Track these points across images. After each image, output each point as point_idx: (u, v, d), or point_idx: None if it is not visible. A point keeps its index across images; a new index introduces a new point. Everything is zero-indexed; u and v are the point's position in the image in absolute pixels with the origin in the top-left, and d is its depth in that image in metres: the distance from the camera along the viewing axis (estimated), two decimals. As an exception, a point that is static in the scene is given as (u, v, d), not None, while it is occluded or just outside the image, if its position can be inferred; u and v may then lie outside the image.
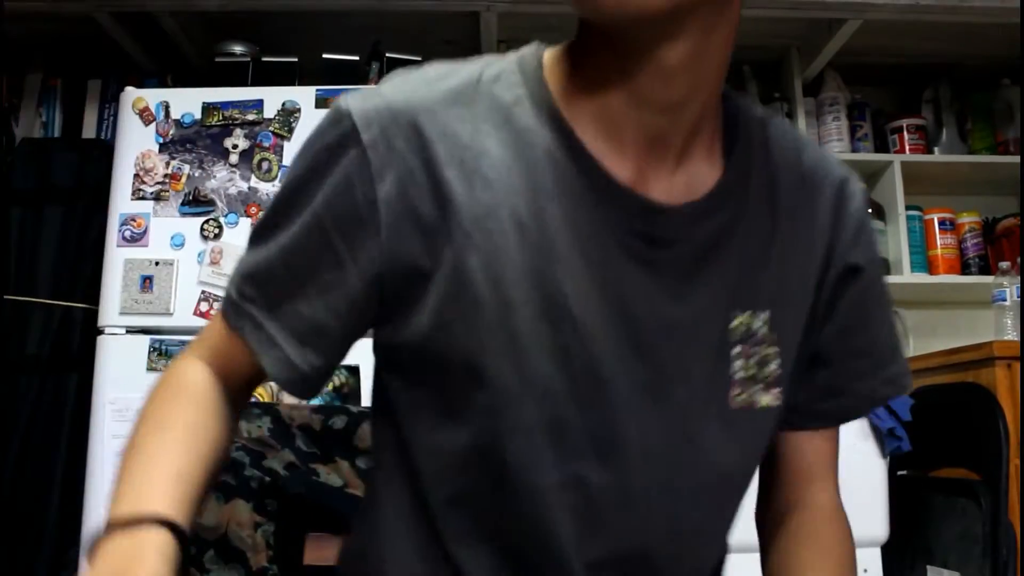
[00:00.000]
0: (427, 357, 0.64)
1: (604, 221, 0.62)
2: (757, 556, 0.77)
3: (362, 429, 1.03)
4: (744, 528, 0.77)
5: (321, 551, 0.97)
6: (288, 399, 1.09)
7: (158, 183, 2.02)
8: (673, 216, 0.63)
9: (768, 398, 0.67)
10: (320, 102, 2.04)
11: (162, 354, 1.90)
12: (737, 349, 0.66)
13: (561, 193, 0.62)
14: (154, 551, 0.52)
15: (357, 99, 0.63)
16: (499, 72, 0.65)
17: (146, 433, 0.62)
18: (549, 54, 0.66)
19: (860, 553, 1.00)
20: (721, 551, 0.75)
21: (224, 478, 0.98)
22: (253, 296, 0.65)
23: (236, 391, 0.69)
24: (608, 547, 0.65)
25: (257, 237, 0.67)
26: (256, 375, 0.68)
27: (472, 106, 0.63)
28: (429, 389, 0.66)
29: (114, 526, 0.54)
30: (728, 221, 0.65)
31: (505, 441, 0.63)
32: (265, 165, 2.01)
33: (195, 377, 0.67)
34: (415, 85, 0.64)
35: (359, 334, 0.68)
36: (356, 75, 2.23)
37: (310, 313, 0.64)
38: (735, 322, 0.66)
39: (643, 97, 0.61)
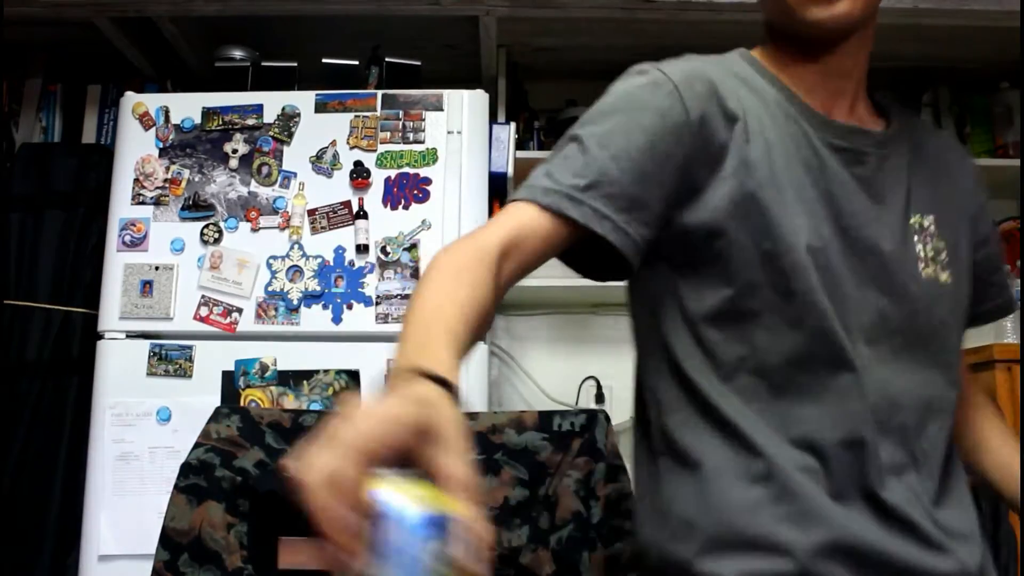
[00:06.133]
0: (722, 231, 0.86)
1: (820, 139, 0.91)
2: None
3: None
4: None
5: (295, 555, 0.97)
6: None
7: (158, 188, 2.02)
8: (867, 136, 0.93)
9: (945, 276, 0.93)
10: (319, 106, 2.05)
11: (162, 359, 1.91)
12: (916, 238, 0.93)
13: (794, 125, 0.91)
14: (450, 404, 0.59)
15: (663, 67, 0.90)
16: (730, 59, 0.96)
17: (435, 289, 0.74)
18: (754, 52, 0.99)
19: (859, 557, 1.00)
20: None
21: (195, 480, 0.98)
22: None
23: (513, 270, 0.83)
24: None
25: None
26: (550, 250, 0.85)
27: (726, 73, 0.93)
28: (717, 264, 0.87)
29: (406, 371, 0.61)
30: (897, 151, 0.95)
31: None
32: (265, 170, 2.02)
33: (480, 254, 0.78)
34: (690, 64, 0.92)
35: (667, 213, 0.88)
36: (356, 80, 2.23)
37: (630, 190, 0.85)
38: (912, 220, 0.93)
39: (829, 70, 0.94)
